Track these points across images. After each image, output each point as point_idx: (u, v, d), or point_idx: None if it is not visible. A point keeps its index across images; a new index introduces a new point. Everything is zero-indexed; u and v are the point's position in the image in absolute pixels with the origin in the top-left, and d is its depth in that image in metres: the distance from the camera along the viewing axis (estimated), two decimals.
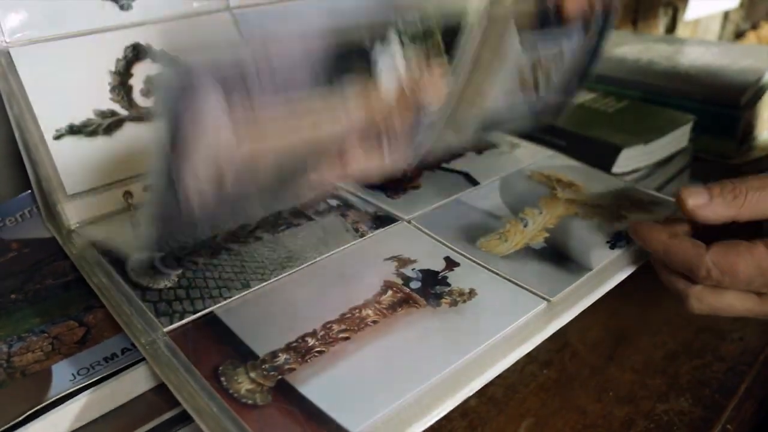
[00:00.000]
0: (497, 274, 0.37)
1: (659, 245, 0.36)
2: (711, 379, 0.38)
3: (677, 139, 0.59)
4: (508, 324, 0.33)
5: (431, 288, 0.36)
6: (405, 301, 0.35)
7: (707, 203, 0.36)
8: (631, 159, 0.53)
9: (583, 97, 0.66)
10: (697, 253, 0.35)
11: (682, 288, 0.35)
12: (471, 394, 0.30)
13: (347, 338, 0.32)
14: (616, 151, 0.53)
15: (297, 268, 0.38)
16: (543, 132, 0.57)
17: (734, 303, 0.34)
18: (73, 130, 0.42)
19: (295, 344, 0.32)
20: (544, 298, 0.35)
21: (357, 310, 0.34)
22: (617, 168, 0.52)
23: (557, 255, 0.39)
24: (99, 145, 0.43)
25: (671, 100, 0.65)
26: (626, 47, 0.82)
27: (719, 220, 0.36)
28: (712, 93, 0.65)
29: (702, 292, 0.35)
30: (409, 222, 0.43)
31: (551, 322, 0.34)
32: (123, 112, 0.44)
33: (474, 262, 0.38)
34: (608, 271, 0.38)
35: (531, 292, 0.36)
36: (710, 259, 0.34)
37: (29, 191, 0.45)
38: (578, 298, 0.35)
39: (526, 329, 0.33)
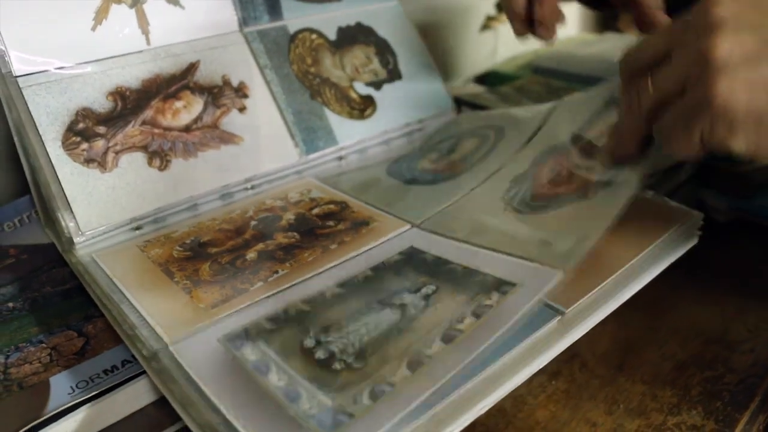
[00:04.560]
0: None
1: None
2: (722, 392, 0.38)
3: None
4: (523, 338, 0.32)
5: None
6: None
7: None
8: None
9: None
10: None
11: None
12: (486, 409, 0.29)
13: None
14: None
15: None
16: None
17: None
18: None
19: None
20: (557, 310, 0.34)
21: None
22: None
23: None
24: None
25: None
26: None
27: None
28: None
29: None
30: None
31: (565, 335, 0.33)
32: None
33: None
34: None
35: (544, 303, 0.34)
36: None
37: (28, 195, 0.44)
38: (592, 309, 0.34)
39: (539, 343, 0.32)
